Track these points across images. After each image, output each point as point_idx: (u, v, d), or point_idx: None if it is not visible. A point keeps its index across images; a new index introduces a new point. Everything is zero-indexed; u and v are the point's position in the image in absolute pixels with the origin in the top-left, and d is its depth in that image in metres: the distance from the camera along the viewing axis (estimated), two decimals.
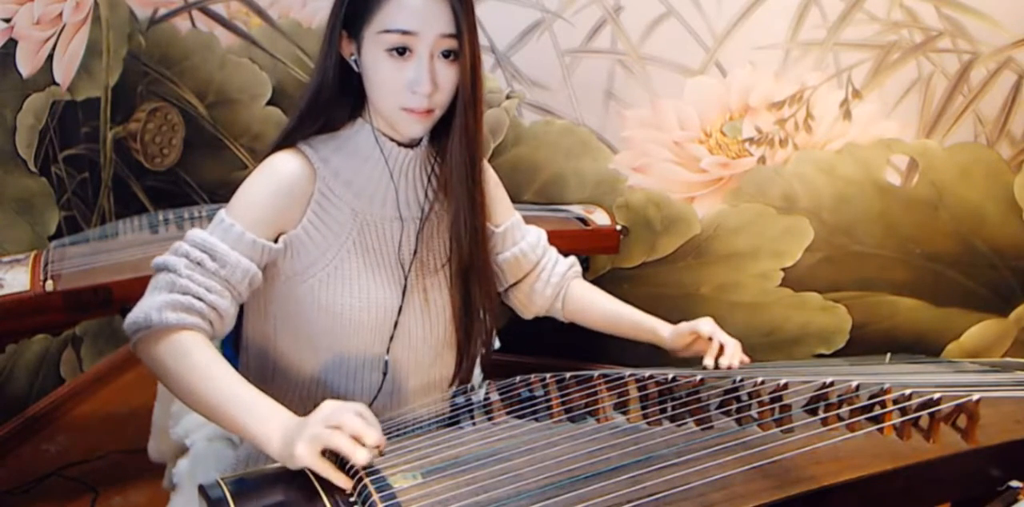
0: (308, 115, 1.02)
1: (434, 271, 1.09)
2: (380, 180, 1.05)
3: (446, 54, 0.96)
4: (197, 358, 0.89)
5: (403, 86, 0.95)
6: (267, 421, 0.84)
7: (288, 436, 0.81)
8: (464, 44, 0.95)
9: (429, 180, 1.07)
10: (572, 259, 1.29)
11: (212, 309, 0.94)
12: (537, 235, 1.25)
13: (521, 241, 1.22)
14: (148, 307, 0.92)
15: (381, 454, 0.82)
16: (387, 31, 0.93)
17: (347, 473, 0.80)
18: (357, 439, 0.78)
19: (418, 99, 0.96)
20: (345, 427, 0.79)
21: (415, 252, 1.07)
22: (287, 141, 1.03)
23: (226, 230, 0.96)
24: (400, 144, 1.04)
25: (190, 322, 0.91)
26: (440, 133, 1.04)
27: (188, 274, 0.93)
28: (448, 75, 0.97)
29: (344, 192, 1.03)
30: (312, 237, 1.01)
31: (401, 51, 0.94)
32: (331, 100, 1.02)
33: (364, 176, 1.04)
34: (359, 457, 0.77)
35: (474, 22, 0.97)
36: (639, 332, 1.20)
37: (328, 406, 0.82)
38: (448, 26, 0.94)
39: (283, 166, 1.00)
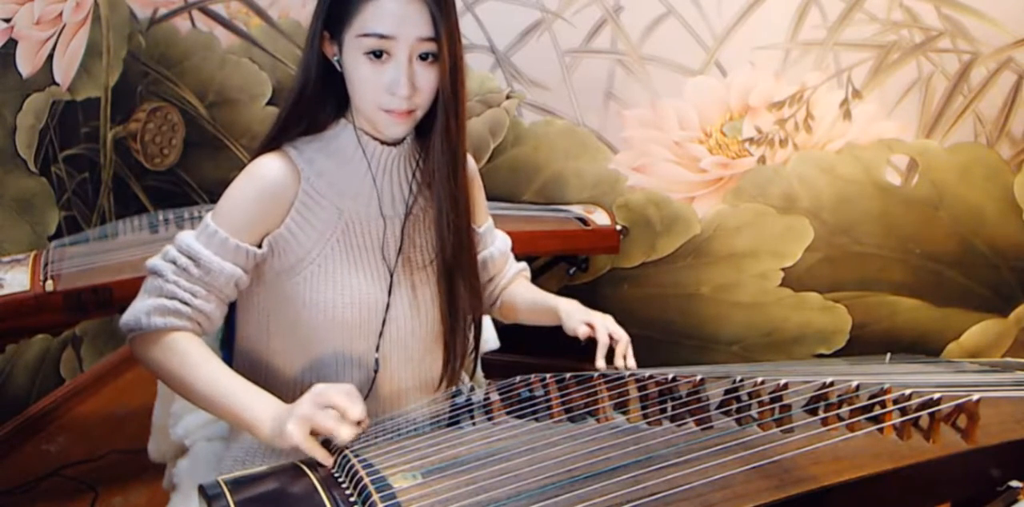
0: (292, 115, 1.04)
1: (421, 267, 1.10)
2: (363, 179, 1.06)
3: (424, 56, 0.97)
4: (186, 356, 0.97)
5: (382, 88, 0.97)
6: (253, 407, 0.91)
7: (278, 418, 0.88)
8: (443, 47, 0.96)
9: (413, 176, 1.08)
10: (523, 264, 1.31)
11: (198, 312, 1.00)
12: (504, 241, 1.28)
13: (491, 245, 1.25)
14: (138, 311, 1.00)
15: (363, 431, 0.88)
16: (365, 35, 0.95)
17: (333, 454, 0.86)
18: (342, 417, 0.85)
19: (397, 101, 0.97)
20: (332, 407, 0.85)
21: (400, 249, 1.08)
22: (273, 143, 1.05)
23: (210, 236, 1.00)
24: (383, 142, 1.05)
25: (177, 325, 0.99)
26: (425, 131, 1.05)
27: (175, 280, 1.00)
28: (427, 77, 0.98)
29: (328, 191, 1.04)
30: (296, 236, 1.03)
31: (379, 54, 0.95)
32: (315, 100, 1.03)
33: (348, 175, 1.05)
34: (343, 436, 0.83)
35: (454, 25, 0.98)
36: (548, 314, 1.18)
37: (317, 388, 0.87)
38: (426, 30, 0.95)
39: (266, 169, 1.02)
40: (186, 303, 0.99)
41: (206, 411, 0.99)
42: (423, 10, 0.94)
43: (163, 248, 1.03)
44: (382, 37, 0.94)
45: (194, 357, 0.97)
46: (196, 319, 1.00)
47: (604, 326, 1.10)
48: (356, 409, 0.85)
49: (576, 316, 1.13)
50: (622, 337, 1.10)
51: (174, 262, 1.00)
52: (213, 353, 0.99)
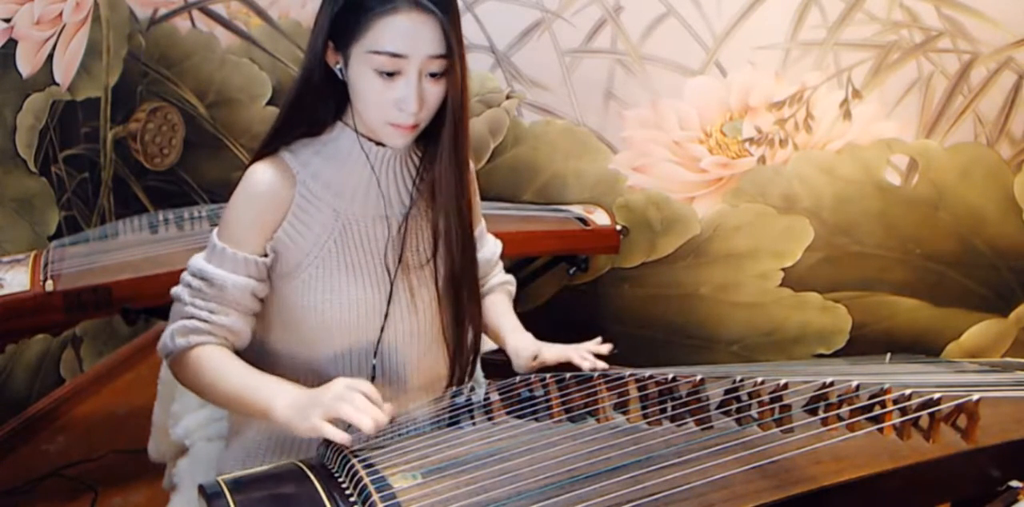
0: (291, 117, 1.04)
1: (419, 267, 1.11)
2: (361, 179, 1.06)
3: (433, 73, 0.97)
4: (211, 365, 1.01)
5: (390, 103, 0.97)
6: (274, 395, 0.93)
7: (298, 404, 0.90)
8: (454, 63, 0.96)
9: (415, 182, 1.09)
10: (509, 277, 1.30)
11: (219, 327, 1.03)
12: (493, 248, 1.28)
13: (482, 249, 1.25)
14: (166, 336, 1.05)
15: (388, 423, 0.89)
16: (376, 52, 0.94)
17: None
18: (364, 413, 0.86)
19: (405, 116, 0.97)
20: (354, 403, 0.87)
21: (400, 250, 1.08)
22: (270, 146, 1.05)
23: (218, 254, 1.03)
24: (380, 143, 1.05)
25: (199, 341, 1.02)
26: (426, 133, 1.04)
27: (191, 301, 1.03)
28: (435, 92, 0.98)
29: (325, 193, 1.04)
30: (294, 239, 1.04)
31: (390, 72, 0.95)
32: (313, 105, 1.04)
33: (345, 176, 1.05)
34: (365, 425, 0.85)
35: (462, 39, 0.98)
36: (501, 342, 1.19)
37: (340, 383, 0.90)
38: (438, 47, 0.95)
39: (259, 176, 1.03)
40: (205, 320, 1.02)
41: (237, 412, 1.05)
42: (436, 28, 0.94)
43: (181, 274, 1.06)
44: (394, 56, 0.94)
45: (217, 365, 1.00)
46: (218, 333, 1.03)
47: (577, 352, 1.10)
48: (376, 410, 0.87)
49: (524, 355, 1.12)
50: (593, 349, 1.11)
51: (189, 285, 1.04)
52: (234, 358, 1.02)
